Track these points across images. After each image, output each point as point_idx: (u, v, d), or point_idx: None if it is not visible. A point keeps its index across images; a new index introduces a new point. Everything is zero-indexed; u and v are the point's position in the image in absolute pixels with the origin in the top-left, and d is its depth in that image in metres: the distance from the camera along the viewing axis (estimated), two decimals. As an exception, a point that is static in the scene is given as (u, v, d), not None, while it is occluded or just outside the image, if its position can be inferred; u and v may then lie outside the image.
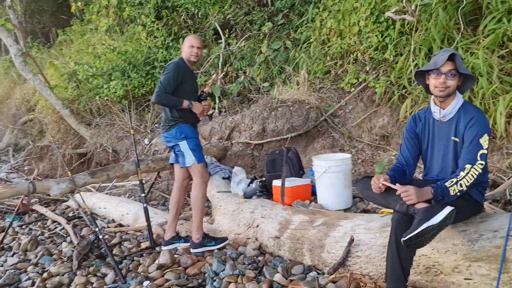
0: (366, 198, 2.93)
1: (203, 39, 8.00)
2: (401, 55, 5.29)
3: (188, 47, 3.83)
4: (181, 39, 8.06)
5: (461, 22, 4.65)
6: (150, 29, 8.31)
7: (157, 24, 8.29)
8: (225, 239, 3.85)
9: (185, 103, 3.76)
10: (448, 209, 2.25)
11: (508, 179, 3.69)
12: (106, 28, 9.70)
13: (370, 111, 5.37)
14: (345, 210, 3.94)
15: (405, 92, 5.10)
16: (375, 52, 5.51)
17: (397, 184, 2.38)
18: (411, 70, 4.95)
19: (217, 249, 3.78)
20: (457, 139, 2.58)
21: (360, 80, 5.64)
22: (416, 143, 2.80)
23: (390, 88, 5.24)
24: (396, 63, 5.26)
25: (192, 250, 3.79)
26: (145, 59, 7.83)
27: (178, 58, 3.91)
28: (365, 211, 3.87)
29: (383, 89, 5.23)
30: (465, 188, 2.39)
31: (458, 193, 2.38)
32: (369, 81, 5.46)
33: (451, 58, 2.48)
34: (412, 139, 2.81)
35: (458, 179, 2.38)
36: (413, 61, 4.90)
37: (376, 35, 5.43)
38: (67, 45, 11.55)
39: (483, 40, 4.52)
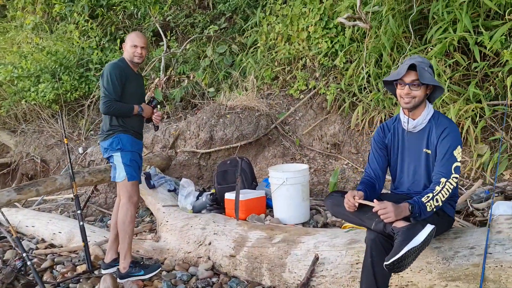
0: (336, 216, 2.73)
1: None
2: (351, 62, 5.23)
3: (131, 46, 3.46)
4: (118, 40, 7.55)
5: (410, 31, 4.66)
6: (84, 28, 7.69)
7: (91, 23, 7.69)
8: (156, 266, 3.46)
9: (136, 108, 3.40)
10: (429, 228, 2.11)
11: (466, 189, 3.69)
12: (33, 26, 8.90)
13: (320, 119, 5.25)
14: (303, 224, 3.74)
15: (356, 100, 5.03)
16: (325, 58, 5.41)
17: (374, 201, 2.20)
18: (363, 77, 4.89)
19: (147, 279, 3.39)
20: (429, 151, 2.46)
21: (309, 87, 5.50)
22: (384, 154, 2.66)
23: (340, 96, 5.16)
24: (346, 70, 5.19)
25: (118, 280, 3.39)
26: (78, 61, 7.21)
27: (118, 59, 3.53)
28: (325, 224, 3.69)
29: (334, 97, 5.13)
30: (441, 203, 2.27)
31: (434, 209, 2.26)
32: (319, 88, 5.34)
33: (414, 67, 2.36)
34: (380, 150, 2.66)
35: (434, 194, 2.26)
36: (364, 68, 4.84)
37: (326, 41, 5.33)
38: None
39: (431, 49, 4.54)
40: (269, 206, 4.09)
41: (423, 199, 2.23)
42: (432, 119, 2.48)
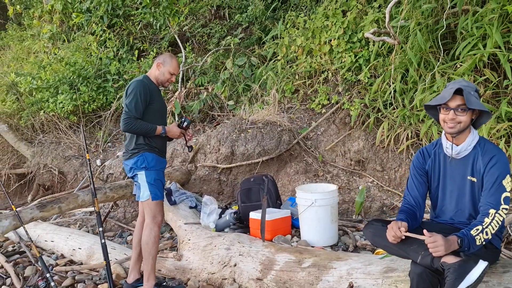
0: (377, 246, 2.64)
1: (160, 52, 7.52)
2: (375, 76, 5.14)
3: (169, 73, 3.44)
4: (136, 51, 7.53)
5: (437, 46, 4.56)
6: (102, 38, 7.68)
7: (109, 34, 7.68)
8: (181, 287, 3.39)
9: (159, 129, 3.33)
10: (482, 265, 2.00)
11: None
12: (50, 35, 8.92)
13: (343, 134, 5.14)
14: (332, 247, 3.63)
15: (381, 116, 4.92)
16: (348, 72, 5.32)
17: (424, 232, 2.09)
18: (389, 93, 4.79)
19: None
20: (474, 179, 2.35)
21: (332, 101, 5.41)
22: (425, 180, 2.55)
23: (364, 111, 5.05)
24: (371, 85, 5.09)
25: None
26: (96, 71, 7.19)
27: (142, 76, 3.49)
28: (355, 247, 3.58)
29: (358, 112, 5.03)
30: (490, 236, 2.16)
31: (484, 242, 2.14)
32: (342, 103, 5.24)
33: (460, 91, 2.26)
34: (420, 176, 2.55)
35: (484, 227, 2.15)
36: (391, 84, 4.74)
37: (350, 56, 5.24)
38: (2, 52, 10.54)
39: (460, 65, 4.43)
40: (294, 226, 4.00)
41: (472, 232, 2.13)
42: (477, 145, 2.37)
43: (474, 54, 4.29)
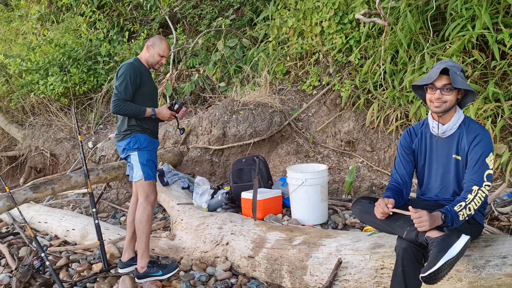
0: (364, 222, 2.71)
1: (150, 34, 7.47)
2: (366, 58, 5.17)
3: (158, 55, 3.43)
4: (126, 32, 7.47)
5: (427, 27, 4.59)
6: (91, 19, 7.60)
7: (98, 15, 7.60)
8: (174, 267, 3.43)
9: (148, 111, 3.35)
10: (464, 239, 2.08)
11: (489, 192, 3.64)
12: (38, 16, 8.80)
13: (334, 116, 5.19)
14: (322, 225, 3.71)
15: (371, 97, 4.97)
16: (339, 54, 5.34)
17: (409, 208, 2.16)
18: (379, 74, 4.83)
19: (165, 279, 3.36)
20: (459, 157, 2.42)
21: (323, 83, 5.44)
22: (412, 159, 2.62)
23: (355, 92, 5.10)
24: (361, 66, 5.13)
25: (136, 280, 3.37)
26: (86, 53, 7.13)
27: (133, 58, 3.49)
28: (344, 226, 3.66)
29: (348, 93, 5.07)
30: (473, 212, 2.23)
31: (467, 217, 2.22)
32: (333, 84, 5.28)
33: (445, 71, 2.31)
34: (407, 155, 2.61)
35: (467, 203, 2.22)
36: (381, 65, 4.77)
37: (340, 37, 5.26)
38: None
39: (449, 46, 4.48)
40: (285, 205, 4.07)
41: (455, 208, 2.20)
42: (462, 124, 2.43)
43: (463, 35, 4.33)
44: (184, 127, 3.70)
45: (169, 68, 6.63)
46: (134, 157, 3.39)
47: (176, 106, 3.51)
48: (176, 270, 3.41)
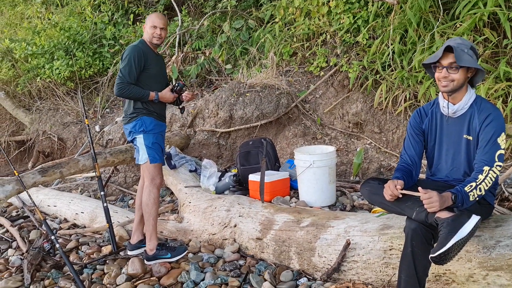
0: (373, 204, 2.68)
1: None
2: (374, 38, 5.08)
3: (150, 27, 3.38)
4: (131, 15, 7.40)
5: (438, 5, 4.49)
6: (96, 2, 7.53)
7: (102, -3, 7.54)
8: (183, 249, 3.44)
9: (151, 95, 3.32)
10: (475, 219, 2.05)
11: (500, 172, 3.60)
12: (42, 0, 8.75)
13: (342, 97, 5.14)
14: (330, 207, 3.70)
15: (379, 78, 4.91)
16: (347, 34, 5.26)
17: (419, 189, 2.13)
18: (388, 54, 4.75)
19: (175, 261, 3.38)
20: (470, 138, 2.38)
21: (330, 64, 5.37)
22: (421, 139, 2.58)
23: (363, 73, 5.03)
24: (369, 46, 5.05)
25: (145, 262, 3.40)
26: (91, 36, 7.09)
27: (138, 40, 3.45)
28: (352, 207, 3.65)
29: (356, 74, 5.00)
30: (484, 193, 2.21)
31: (477, 198, 2.19)
32: (341, 65, 5.21)
33: (451, 49, 2.25)
34: (417, 136, 2.58)
35: (477, 183, 2.19)
36: (390, 45, 4.69)
37: (348, 17, 5.16)
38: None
39: (460, 25, 4.38)
40: (293, 187, 4.06)
41: (466, 189, 2.17)
42: (474, 104, 2.38)
43: (474, 14, 4.23)
44: (184, 105, 3.67)
45: (174, 50, 6.57)
46: (140, 139, 3.39)
47: (178, 87, 3.49)
48: (185, 253, 3.43)
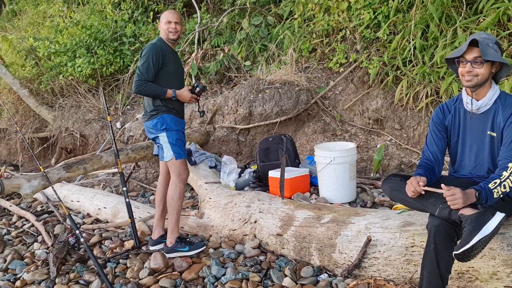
0: (395, 200, 2.68)
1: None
2: (395, 33, 5.03)
3: (165, 23, 3.42)
4: (151, 13, 7.48)
5: (461, 0, 4.42)
6: (116, 0, 7.63)
7: (122, -5, 7.63)
8: (202, 245, 3.47)
9: (169, 93, 3.36)
10: (499, 216, 2.03)
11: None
12: (64, -1, 8.91)
13: (361, 93, 5.11)
14: (350, 204, 3.69)
15: (400, 73, 4.86)
16: (367, 30, 5.22)
17: (442, 186, 2.12)
18: (408, 50, 4.70)
19: (194, 255, 3.41)
20: (494, 134, 2.35)
21: (350, 60, 5.34)
22: (444, 136, 2.55)
23: (383, 69, 4.99)
24: (389, 42, 5.00)
25: (166, 255, 3.45)
26: (112, 34, 7.19)
27: (157, 38, 3.49)
28: (373, 204, 3.64)
29: (376, 70, 4.96)
30: (508, 190, 2.18)
31: (501, 195, 2.16)
32: (360, 61, 5.17)
33: (475, 43, 2.22)
34: (440, 132, 2.55)
35: (502, 180, 2.16)
36: (411, 40, 4.64)
37: (368, 12, 5.12)
38: (17, 16, 10.56)
39: (483, 19, 4.31)
40: (313, 184, 4.06)
41: (490, 185, 2.15)
42: (498, 100, 2.35)
43: (498, 8, 4.16)
44: (204, 110, 3.69)
45: (194, 47, 6.62)
46: (163, 138, 3.43)
47: (198, 89, 3.50)
48: (203, 248, 3.45)
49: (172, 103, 3.45)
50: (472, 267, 2.38)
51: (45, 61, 7.36)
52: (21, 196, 5.35)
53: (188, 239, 3.62)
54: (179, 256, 3.40)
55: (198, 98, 3.55)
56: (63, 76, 7.07)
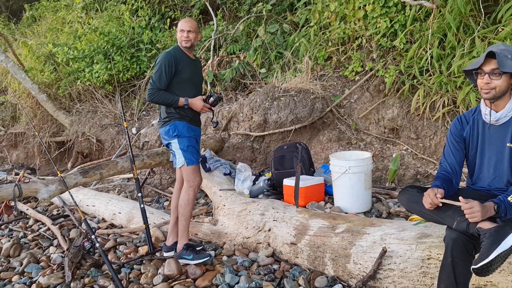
0: (412, 212, 2.65)
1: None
2: (411, 42, 5.00)
3: (179, 32, 3.47)
4: (168, 20, 7.56)
5: (478, 9, 4.38)
6: (134, 7, 7.73)
7: (140, 2, 7.72)
8: (206, 255, 3.40)
9: (181, 101, 3.38)
10: (519, 230, 1.99)
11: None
12: (83, 5, 9.05)
13: (377, 102, 5.08)
14: (365, 213, 3.66)
15: (416, 82, 4.82)
16: (383, 38, 5.20)
17: (460, 199, 2.09)
18: (425, 59, 4.67)
19: (194, 264, 3.37)
20: (514, 146, 2.31)
21: (366, 68, 5.32)
22: (462, 147, 2.52)
23: (399, 78, 4.96)
24: (406, 51, 4.97)
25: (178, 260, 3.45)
26: (129, 41, 7.29)
27: (173, 47, 3.53)
28: (388, 214, 3.60)
29: (393, 79, 4.94)
30: (528, 203, 2.13)
31: (521, 209, 2.12)
32: (376, 69, 5.15)
33: (493, 55, 2.20)
34: (458, 143, 2.52)
35: (522, 193, 2.13)
36: (428, 50, 4.61)
37: (385, 21, 5.10)
38: (37, 22, 10.77)
39: (502, 29, 4.26)
40: (328, 193, 4.04)
41: (509, 198, 2.12)
42: (518, 111, 2.32)
43: (518, 17, 4.11)
44: (217, 120, 3.67)
45: (209, 54, 6.66)
46: (175, 144, 3.45)
47: (212, 99, 3.47)
48: (206, 259, 3.37)
49: (185, 111, 3.47)
50: (491, 281, 2.34)
51: (64, 66, 7.48)
52: (37, 199, 5.44)
53: (196, 247, 3.57)
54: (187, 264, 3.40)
55: (211, 108, 3.55)
56: (80, 82, 7.18)
